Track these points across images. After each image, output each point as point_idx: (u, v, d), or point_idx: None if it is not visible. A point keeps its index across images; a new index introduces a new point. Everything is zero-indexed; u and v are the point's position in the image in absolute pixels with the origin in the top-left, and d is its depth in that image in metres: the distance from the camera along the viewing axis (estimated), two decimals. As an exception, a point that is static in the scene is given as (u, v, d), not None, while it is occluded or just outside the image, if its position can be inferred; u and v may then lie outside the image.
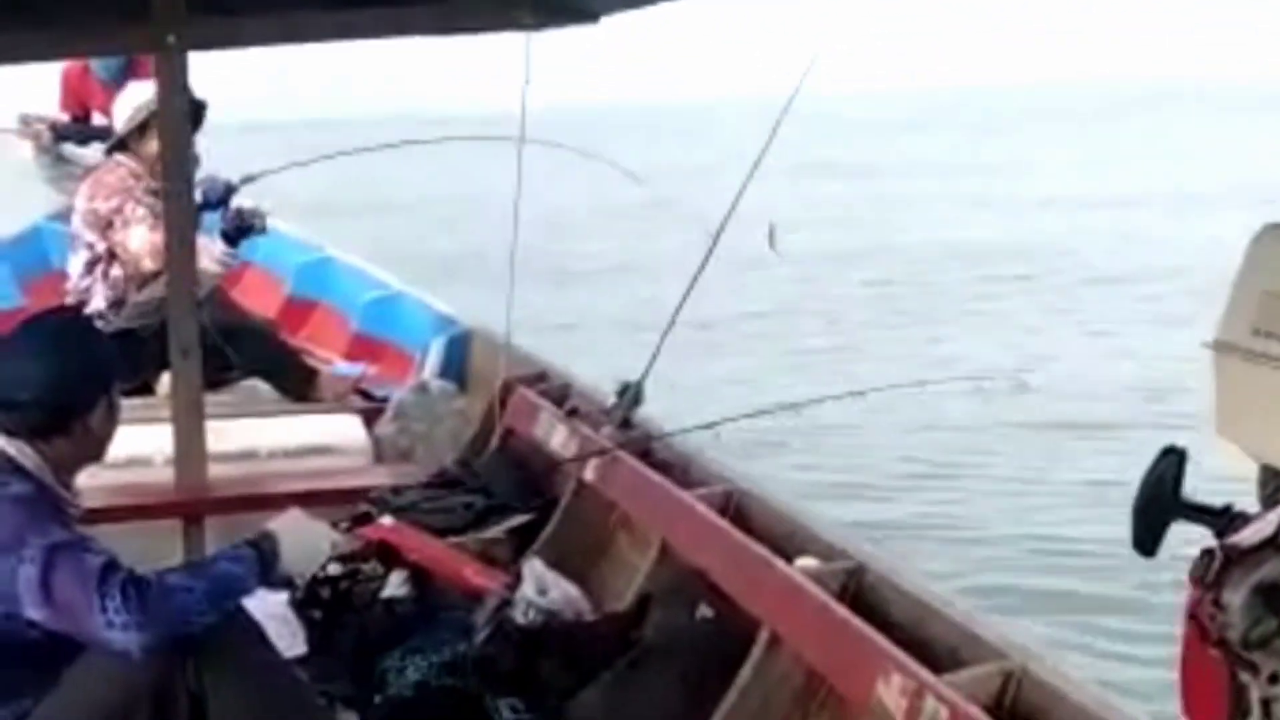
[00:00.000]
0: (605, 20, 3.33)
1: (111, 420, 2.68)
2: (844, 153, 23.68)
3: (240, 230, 4.89)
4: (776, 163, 4.00)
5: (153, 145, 4.75)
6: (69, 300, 4.90)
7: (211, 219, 4.99)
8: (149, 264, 4.77)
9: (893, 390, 3.89)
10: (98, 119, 7.27)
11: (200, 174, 5.30)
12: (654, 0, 2.86)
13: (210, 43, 3.59)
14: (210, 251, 4.75)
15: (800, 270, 11.18)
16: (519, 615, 3.38)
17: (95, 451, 2.69)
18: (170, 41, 3.40)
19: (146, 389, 4.70)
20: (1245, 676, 1.32)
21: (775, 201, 4.14)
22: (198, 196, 4.94)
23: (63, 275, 5.24)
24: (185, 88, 3.66)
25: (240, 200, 4.96)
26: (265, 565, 2.57)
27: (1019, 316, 11.30)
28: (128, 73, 6.80)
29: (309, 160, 5.36)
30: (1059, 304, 11.87)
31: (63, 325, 2.79)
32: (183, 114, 3.74)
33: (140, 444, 4.07)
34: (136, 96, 4.93)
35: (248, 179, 5.37)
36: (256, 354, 5.12)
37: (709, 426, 3.59)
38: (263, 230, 5.05)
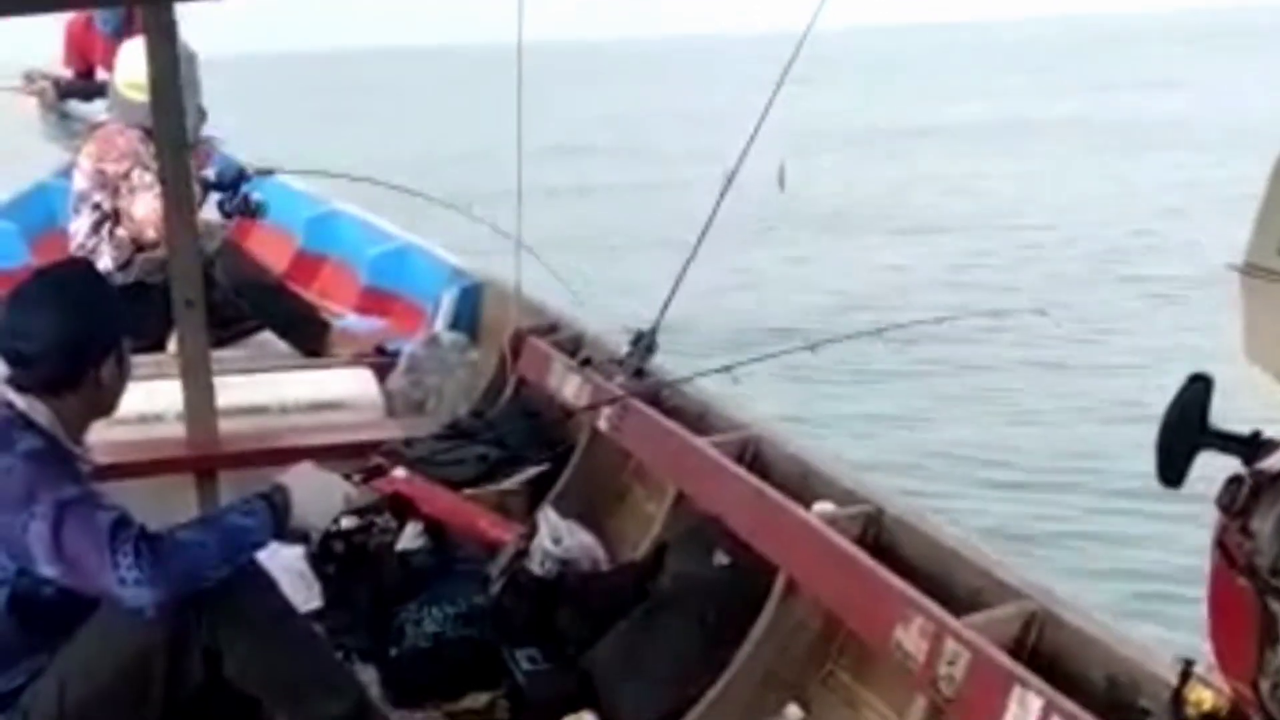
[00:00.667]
0: None
1: (122, 374, 2.64)
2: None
3: (241, 213, 4.92)
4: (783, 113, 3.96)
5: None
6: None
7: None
8: (152, 234, 4.76)
9: (915, 326, 3.84)
10: (102, 74, 7.20)
11: (205, 130, 5.30)
12: None
13: None
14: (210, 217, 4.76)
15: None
16: (535, 566, 3.36)
17: (107, 406, 2.65)
18: None
19: (159, 346, 4.68)
20: (1275, 604, 1.29)
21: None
22: (211, 175, 4.95)
23: (69, 234, 5.22)
24: (174, 37, 3.62)
25: (253, 190, 4.97)
26: (278, 518, 2.54)
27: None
28: (126, 27, 6.73)
29: (332, 175, 5.44)
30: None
31: (70, 277, 2.75)
32: (174, 64, 3.70)
33: (152, 400, 4.07)
34: (135, 51, 4.90)
35: (264, 172, 5.36)
36: (268, 308, 5.11)
37: (725, 370, 3.55)
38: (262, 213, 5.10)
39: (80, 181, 5.01)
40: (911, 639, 2.51)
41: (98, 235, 4.91)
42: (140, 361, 3.79)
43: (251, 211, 5.02)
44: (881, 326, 3.77)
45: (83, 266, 2.87)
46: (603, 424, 3.91)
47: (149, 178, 4.74)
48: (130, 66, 4.87)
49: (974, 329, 7.57)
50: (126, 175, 4.83)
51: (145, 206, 4.77)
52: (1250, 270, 1.38)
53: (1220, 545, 1.32)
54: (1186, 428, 1.40)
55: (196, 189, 4.67)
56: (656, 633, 3.08)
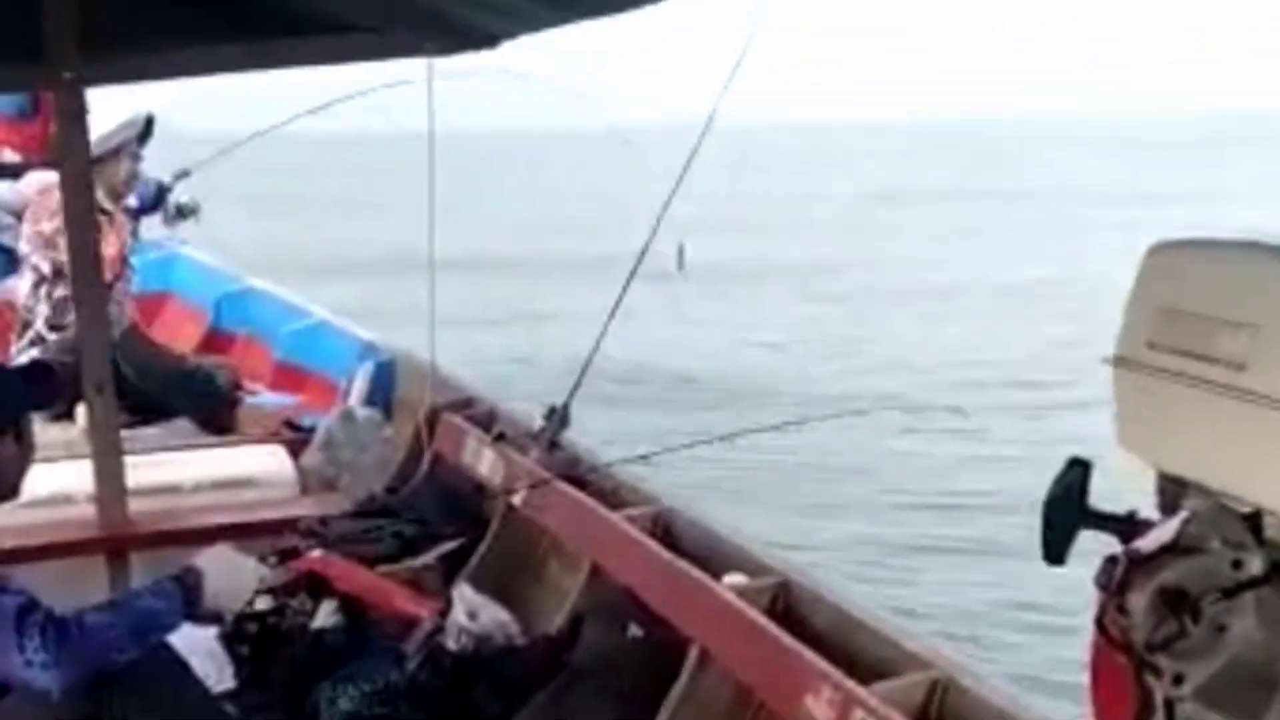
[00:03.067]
0: (505, 45, 3.34)
1: (19, 456, 2.64)
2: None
3: (159, 204, 4.98)
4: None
5: (116, 171, 5.02)
6: (20, 320, 4.98)
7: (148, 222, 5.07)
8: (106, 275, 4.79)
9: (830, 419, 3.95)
10: (6, 155, 7.19)
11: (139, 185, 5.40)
12: (553, 24, 2.88)
13: (107, 77, 3.59)
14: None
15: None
16: (450, 642, 3.38)
17: (4, 489, 2.64)
18: (67, 77, 3.39)
19: (68, 415, 4.65)
20: (1150, 679, 1.37)
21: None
22: (132, 202, 5.02)
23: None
24: (84, 120, 3.65)
25: (176, 196, 5.02)
26: (190, 600, 2.56)
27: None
28: (34, 108, 6.78)
29: (235, 145, 5.45)
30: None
31: None
32: (85, 147, 3.73)
33: (61, 480, 4.03)
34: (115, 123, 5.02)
35: (181, 174, 5.40)
36: (174, 389, 5.10)
37: (641, 459, 3.63)
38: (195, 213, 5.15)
39: (22, 245, 5.13)
40: (821, 708, 2.57)
41: (35, 295, 4.96)
42: (49, 441, 3.79)
43: (185, 214, 5.08)
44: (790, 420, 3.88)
45: None
46: (517, 499, 3.95)
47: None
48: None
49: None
50: (61, 230, 4.85)
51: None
52: (1119, 362, 1.48)
53: (1098, 623, 1.40)
54: (1068, 508, 1.49)
55: (127, 221, 4.74)
56: (573, 706, 3.12)
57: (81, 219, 3.68)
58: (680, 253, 3.94)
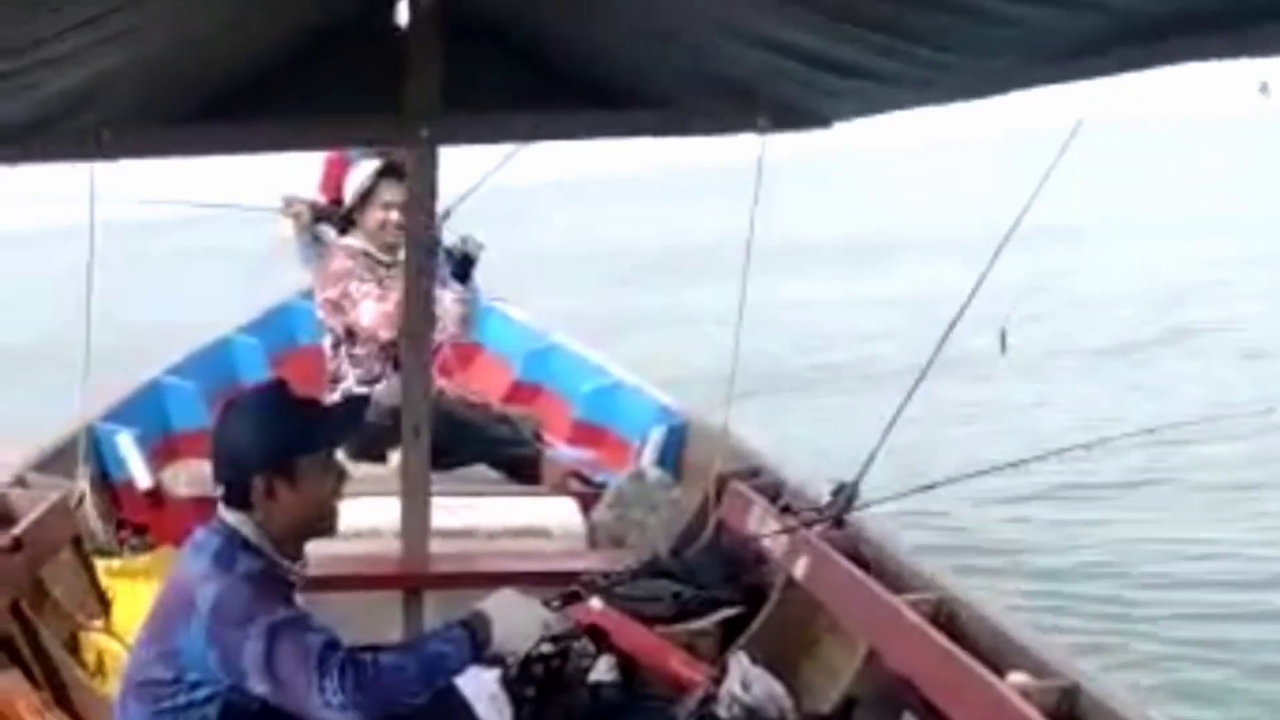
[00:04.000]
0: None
1: (325, 486, 2.72)
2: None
3: (466, 264, 5.02)
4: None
5: (374, 215, 5.15)
6: (328, 375, 5.20)
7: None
8: (385, 334, 4.99)
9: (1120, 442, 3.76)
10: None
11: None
12: (885, 109, 2.89)
13: (457, 137, 3.74)
14: (445, 299, 4.93)
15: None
16: (722, 710, 3.39)
17: (316, 517, 2.73)
18: (423, 135, 3.56)
19: (380, 458, 4.91)
20: None
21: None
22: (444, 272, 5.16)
23: (308, 351, 5.55)
24: (434, 180, 3.82)
25: (450, 238, 5.07)
26: (477, 645, 2.63)
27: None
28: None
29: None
30: None
31: (248, 396, 2.93)
32: (431, 206, 3.90)
33: (370, 515, 4.25)
34: (362, 172, 5.25)
35: (444, 215, 5.53)
36: (480, 435, 5.29)
37: (927, 489, 3.54)
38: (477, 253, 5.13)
39: (318, 312, 5.37)
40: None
41: (338, 357, 5.21)
42: (361, 478, 4.02)
43: (472, 258, 5.06)
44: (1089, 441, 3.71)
45: (269, 387, 2.94)
46: (799, 572, 3.93)
47: (365, 286, 5.03)
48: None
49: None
50: (346, 293, 5.11)
51: (369, 314, 5.02)
52: None
53: None
54: None
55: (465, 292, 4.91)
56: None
57: (420, 269, 3.87)
58: (1003, 336, 3.85)
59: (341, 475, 2.78)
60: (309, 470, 2.69)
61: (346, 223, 5.41)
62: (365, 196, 5.21)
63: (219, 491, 2.71)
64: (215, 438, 2.75)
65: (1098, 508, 7.71)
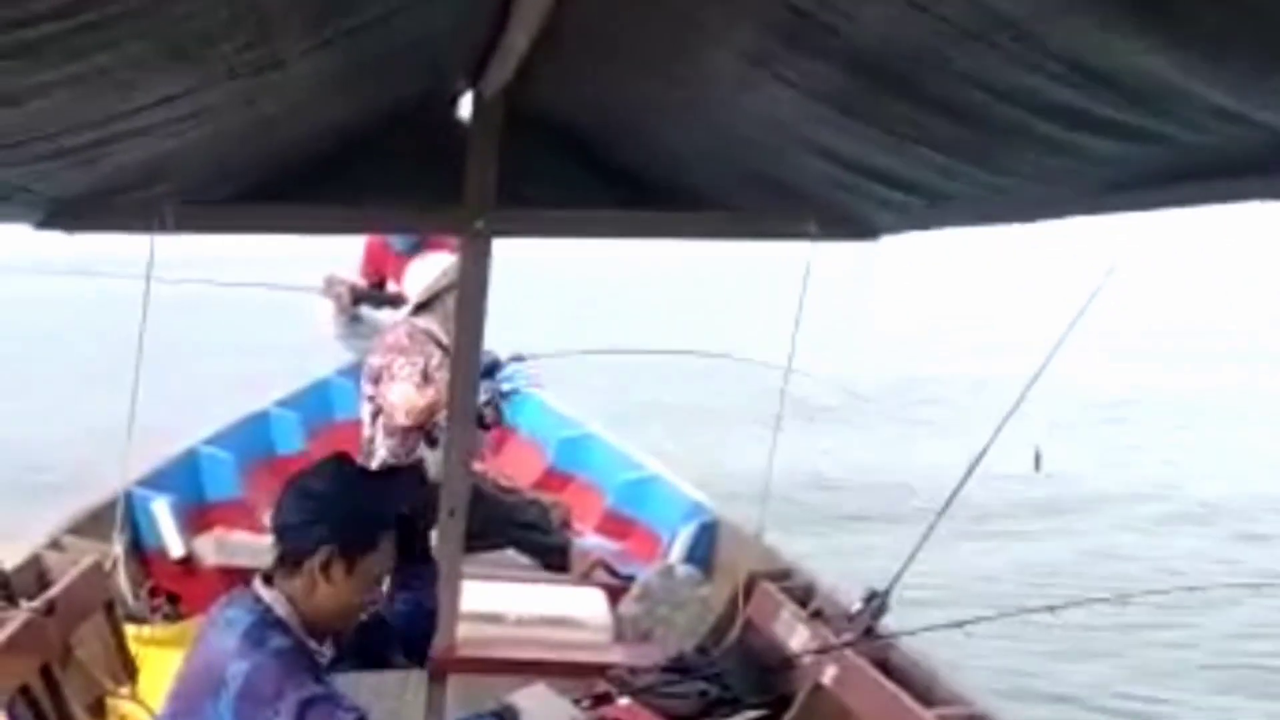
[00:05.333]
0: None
1: (371, 576, 2.73)
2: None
3: (493, 367, 5.09)
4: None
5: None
6: (363, 447, 5.20)
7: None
8: (402, 419, 5.02)
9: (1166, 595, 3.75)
10: (390, 286, 7.83)
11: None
12: (935, 226, 2.93)
13: (512, 230, 3.78)
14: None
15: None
16: (745, 814, 3.36)
17: (343, 609, 2.72)
18: (479, 226, 3.61)
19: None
20: None
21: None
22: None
23: (344, 426, 5.58)
24: (487, 271, 3.87)
25: (503, 381, 5.15)
26: None
27: None
28: (421, 245, 7.33)
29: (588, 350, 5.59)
30: None
31: (318, 467, 2.88)
32: (483, 295, 3.95)
33: (400, 597, 4.27)
34: (433, 263, 5.31)
35: (516, 358, 5.64)
36: (511, 521, 5.31)
37: (958, 625, 3.53)
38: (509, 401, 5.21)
39: (363, 380, 5.39)
40: None
41: (374, 427, 5.24)
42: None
43: (501, 422, 5.18)
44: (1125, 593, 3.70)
45: (333, 464, 2.90)
46: (826, 678, 3.91)
47: (408, 369, 5.06)
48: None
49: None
50: (389, 365, 5.16)
51: (399, 393, 5.05)
52: None
53: None
54: None
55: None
56: None
57: (467, 358, 3.90)
58: (1037, 457, 3.89)
59: (384, 574, 2.78)
60: (368, 565, 2.71)
61: (389, 304, 5.49)
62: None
63: (269, 558, 2.72)
64: (296, 497, 2.72)
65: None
